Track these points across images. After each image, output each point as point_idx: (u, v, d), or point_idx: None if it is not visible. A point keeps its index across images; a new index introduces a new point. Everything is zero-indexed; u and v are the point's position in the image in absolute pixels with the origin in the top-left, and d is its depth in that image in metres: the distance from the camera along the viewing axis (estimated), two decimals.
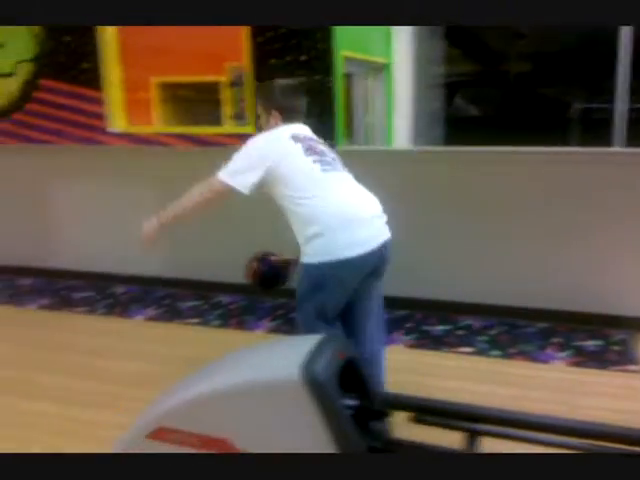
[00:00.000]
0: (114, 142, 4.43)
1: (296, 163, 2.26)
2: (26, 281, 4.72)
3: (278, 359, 1.68)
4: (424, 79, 5.51)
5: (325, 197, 2.24)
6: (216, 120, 4.32)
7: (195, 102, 4.55)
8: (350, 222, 2.22)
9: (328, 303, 2.27)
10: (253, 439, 1.67)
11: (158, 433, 1.80)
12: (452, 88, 6.59)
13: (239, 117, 4.27)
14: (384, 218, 2.36)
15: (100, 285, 4.57)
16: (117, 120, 4.46)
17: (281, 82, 2.61)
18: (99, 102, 4.40)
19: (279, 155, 2.28)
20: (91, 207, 4.66)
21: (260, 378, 1.62)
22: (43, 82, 4.54)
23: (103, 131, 4.43)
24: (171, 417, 1.76)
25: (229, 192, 2.29)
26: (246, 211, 4.23)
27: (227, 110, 4.27)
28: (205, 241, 4.36)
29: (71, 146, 4.53)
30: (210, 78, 4.24)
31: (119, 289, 4.53)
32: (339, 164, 2.39)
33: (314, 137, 2.46)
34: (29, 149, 4.68)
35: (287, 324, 3.76)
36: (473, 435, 1.67)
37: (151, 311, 4.09)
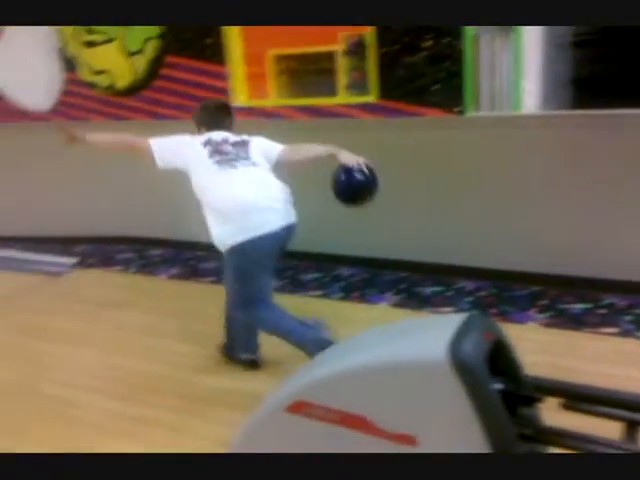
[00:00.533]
0: (236, 117, 4.49)
1: (199, 163, 2.73)
2: (156, 251, 4.95)
3: (424, 338, 1.63)
4: (554, 38, 5.12)
5: (218, 191, 2.67)
6: (330, 91, 4.27)
7: (309, 73, 4.52)
8: (239, 212, 2.59)
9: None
10: (394, 419, 1.63)
11: (297, 407, 1.80)
12: (582, 46, 6.11)
13: (356, 86, 4.19)
14: (280, 205, 2.68)
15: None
16: (239, 94, 4.52)
17: (205, 103, 3.12)
18: (223, 77, 4.48)
19: (189, 157, 2.75)
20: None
21: (405, 357, 1.57)
22: (169, 59, 4.68)
23: None
24: (311, 391, 1.75)
25: (147, 154, 2.76)
26: None
27: (342, 80, 4.20)
28: (325, 214, 4.35)
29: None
30: (324, 48, 4.18)
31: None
32: (242, 158, 2.75)
33: (232, 140, 2.83)
34: (156, 125, 4.86)
35: (411, 298, 3.69)
36: (634, 426, 1.54)
37: (273, 282, 4.14)
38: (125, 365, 3.08)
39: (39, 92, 5.30)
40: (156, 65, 4.75)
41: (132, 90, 4.90)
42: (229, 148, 2.78)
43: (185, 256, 4.77)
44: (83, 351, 3.27)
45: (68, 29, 4.93)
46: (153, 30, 4.66)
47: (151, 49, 4.73)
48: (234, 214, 2.60)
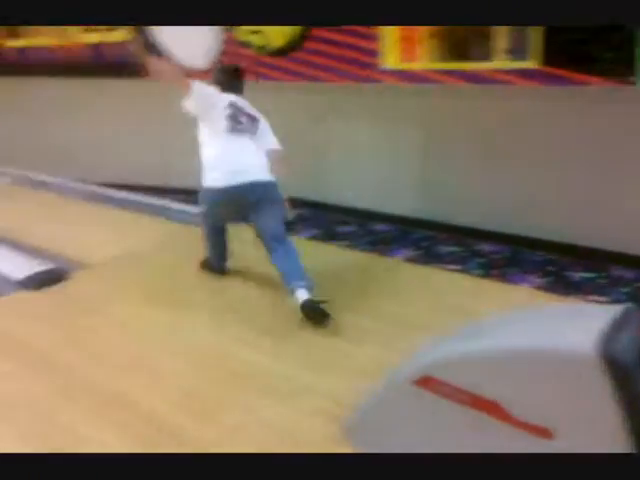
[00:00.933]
0: (386, 79, 4.41)
1: (217, 119, 3.22)
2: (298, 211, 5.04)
3: (572, 327, 1.48)
4: None
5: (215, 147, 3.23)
6: (484, 55, 4.03)
7: (462, 35, 4.29)
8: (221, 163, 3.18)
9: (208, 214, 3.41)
10: (530, 409, 1.52)
11: (425, 381, 1.74)
12: None
13: (516, 51, 3.92)
14: (258, 166, 3.21)
15: (362, 222, 4.70)
16: (389, 57, 4.41)
17: (223, 66, 3.61)
18: (374, 39, 4.38)
19: (213, 111, 3.23)
20: (362, 145, 4.75)
21: (550, 346, 1.44)
22: None
23: (376, 68, 4.42)
24: (442, 368, 1.68)
25: (185, 92, 3.21)
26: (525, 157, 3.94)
27: (499, 43, 3.94)
28: (468, 184, 4.18)
29: (345, 84, 4.63)
30: None
31: (379, 227, 4.61)
32: (249, 133, 3.26)
33: (247, 111, 3.32)
34: (303, 87, 4.90)
35: (558, 283, 3.45)
36: None
37: (409, 252, 4.09)
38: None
39: (199, 52, 5.51)
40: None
41: (284, 51, 4.95)
42: (244, 119, 3.28)
43: (325, 218, 4.81)
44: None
45: None
46: None
47: None
48: (220, 166, 3.16)
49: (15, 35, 7.12)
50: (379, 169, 4.74)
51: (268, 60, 5.05)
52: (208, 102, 3.22)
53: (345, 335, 2.92)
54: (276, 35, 4.93)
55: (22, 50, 7.11)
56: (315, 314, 2.88)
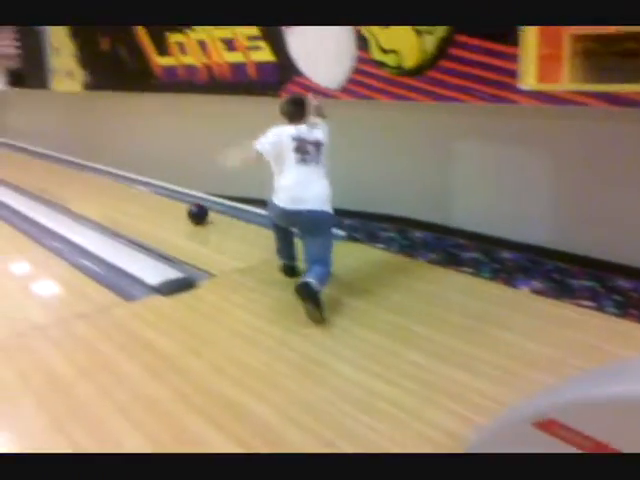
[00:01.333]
0: (523, 100, 4.23)
1: (286, 153, 3.61)
2: (418, 234, 4.96)
3: None
4: None
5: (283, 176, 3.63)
6: (635, 77, 3.74)
7: (610, 55, 4.01)
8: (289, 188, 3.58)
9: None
10: None
11: (547, 424, 1.60)
12: None
13: None
14: (316, 197, 3.55)
15: (487, 248, 4.52)
16: (528, 77, 4.23)
17: (289, 97, 3.90)
18: (513, 58, 4.23)
19: (281, 149, 3.63)
20: (490, 168, 4.60)
21: None
22: (459, 38, 4.56)
23: (514, 89, 4.26)
24: (567, 412, 1.54)
25: (256, 157, 3.68)
26: None
27: None
28: (603, 214, 3.89)
29: (478, 104, 4.50)
30: (632, 28, 3.65)
31: (506, 254, 4.41)
32: (315, 160, 3.62)
33: (312, 139, 3.64)
34: (435, 106, 4.82)
35: None
36: None
37: (538, 283, 3.87)
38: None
39: (331, 70, 5.62)
40: (445, 45, 4.68)
41: (419, 70, 4.90)
42: (310, 148, 3.61)
43: (446, 242, 4.69)
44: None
45: None
46: None
47: (443, 28, 4.66)
48: (285, 191, 3.57)
49: (165, 54, 7.66)
50: (508, 194, 4.56)
51: (402, 80, 5.03)
52: (276, 150, 3.63)
53: (462, 365, 2.82)
54: (410, 54, 4.90)
55: (171, 68, 7.64)
56: (307, 293, 3.27)
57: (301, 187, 3.56)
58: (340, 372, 2.82)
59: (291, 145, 3.61)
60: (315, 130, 3.71)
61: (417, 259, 4.40)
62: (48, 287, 4.25)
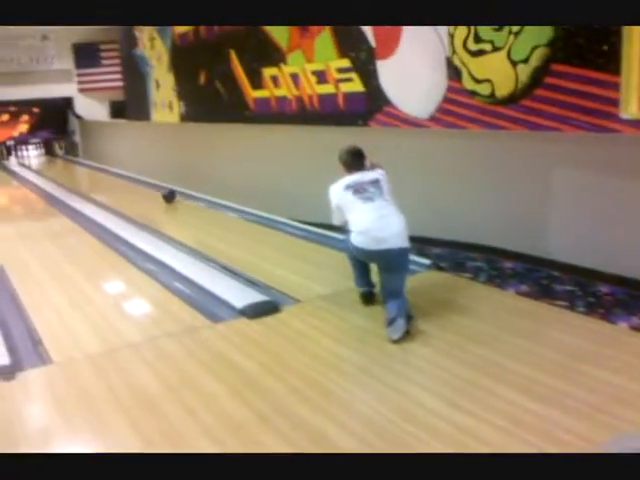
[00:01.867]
0: (626, 130, 4.04)
1: (349, 204, 3.76)
2: (508, 264, 4.79)
3: None
4: None
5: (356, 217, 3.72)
6: None
7: None
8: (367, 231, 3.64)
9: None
10: None
11: None
12: None
13: None
14: (392, 234, 3.61)
15: (582, 281, 4.30)
16: (630, 105, 4.03)
17: (345, 147, 3.94)
18: (613, 86, 4.05)
19: (343, 206, 3.80)
20: (585, 197, 4.40)
21: None
22: (555, 67, 4.44)
23: (615, 117, 4.07)
24: None
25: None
26: None
27: None
28: None
29: (575, 134, 4.34)
30: None
31: (602, 288, 4.17)
32: (377, 195, 3.72)
33: (368, 179, 3.78)
34: (528, 135, 4.69)
35: None
36: None
37: (638, 319, 3.62)
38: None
39: (421, 100, 5.61)
40: (540, 74, 4.56)
41: (512, 99, 4.80)
42: (367, 186, 3.74)
43: (538, 274, 4.50)
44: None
45: (459, 39, 5.08)
46: (542, 38, 4.48)
47: (537, 57, 4.55)
48: (365, 233, 3.64)
49: (259, 87, 7.92)
50: (604, 224, 4.32)
51: (495, 108, 4.94)
52: (337, 210, 3.84)
53: (553, 402, 2.68)
54: (504, 83, 4.81)
55: (264, 100, 7.88)
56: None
57: (377, 228, 3.61)
58: (425, 405, 2.73)
59: (349, 192, 3.74)
60: (370, 172, 3.84)
61: (507, 290, 4.24)
62: (140, 306, 4.43)
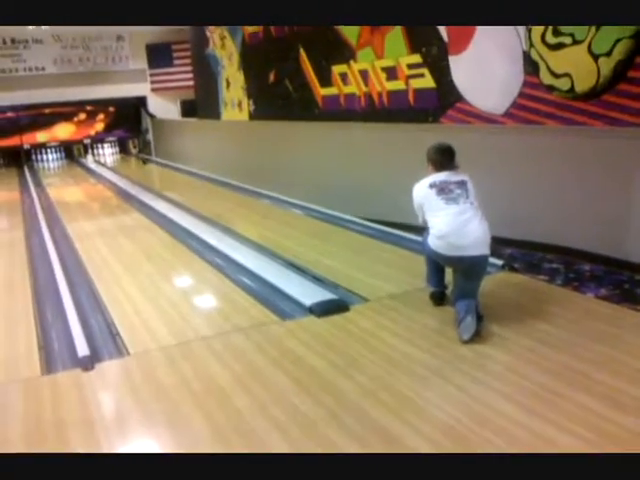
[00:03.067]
0: None
1: (432, 204, 3.61)
2: (586, 267, 4.60)
3: None
4: None
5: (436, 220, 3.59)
6: None
7: None
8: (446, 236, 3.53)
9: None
10: None
11: None
12: None
13: None
14: (472, 241, 3.48)
15: None
16: None
17: (434, 144, 3.77)
18: None
19: (426, 205, 3.65)
20: None
21: None
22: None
23: None
24: None
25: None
26: None
27: None
28: None
29: None
30: None
31: None
32: (463, 197, 3.56)
33: (454, 179, 3.62)
34: (610, 131, 4.49)
35: None
36: None
37: None
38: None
39: (496, 95, 5.46)
40: (624, 67, 4.35)
41: (593, 94, 4.60)
42: (453, 187, 3.58)
43: (619, 277, 4.29)
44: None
45: (537, 32, 4.91)
46: (625, 30, 4.27)
47: (620, 50, 4.34)
48: (445, 238, 3.52)
49: (328, 85, 7.92)
50: None
51: (574, 104, 4.74)
52: (420, 209, 3.70)
53: (635, 411, 2.53)
54: (584, 77, 4.62)
55: (333, 97, 7.87)
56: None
57: (457, 234, 3.48)
58: (502, 410, 2.64)
59: (433, 191, 3.59)
60: (459, 173, 3.67)
61: (585, 294, 4.06)
62: (211, 301, 4.50)
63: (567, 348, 3.21)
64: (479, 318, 3.36)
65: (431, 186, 3.63)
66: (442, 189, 3.59)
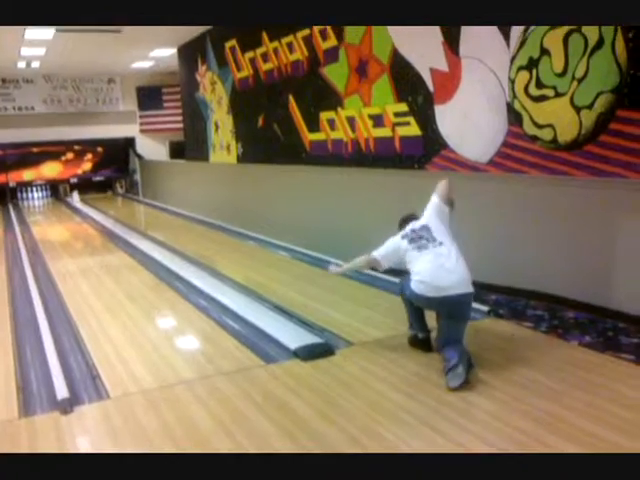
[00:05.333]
0: None
1: (405, 252, 3.77)
2: (571, 314, 4.62)
3: None
4: None
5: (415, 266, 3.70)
6: None
7: None
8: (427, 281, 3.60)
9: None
10: None
11: None
12: None
13: None
14: (454, 281, 3.57)
15: None
16: None
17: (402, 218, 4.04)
18: None
19: (400, 252, 3.81)
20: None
21: None
22: (621, 113, 4.34)
23: None
24: None
25: (376, 263, 3.96)
26: None
27: None
28: None
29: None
30: None
31: None
32: (431, 242, 3.70)
33: (418, 226, 3.81)
34: (592, 181, 4.58)
35: None
36: None
37: None
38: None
39: (481, 144, 5.57)
40: (605, 120, 4.47)
41: (575, 145, 4.71)
42: (422, 233, 3.75)
43: (603, 325, 4.32)
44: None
45: (520, 84, 5.04)
46: (607, 83, 4.40)
47: (602, 103, 4.47)
48: (426, 281, 3.59)
49: (316, 130, 8.03)
50: None
51: (557, 154, 4.85)
52: (392, 253, 3.84)
53: None
54: (566, 129, 4.73)
55: (320, 143, 7.98)
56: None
57: (437, 278, 3.56)
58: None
59: (405, 241, 3.77)
60: (419, 220, 3.87)
61: (569, 341, 4.07)
62: (194, 343, 4.45)
63: (553, 396, 3.20)
64: (469, 366, 3.35)
65: (403, 237, 3.81)
66: (412, 238, 3.75)
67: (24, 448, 2.87)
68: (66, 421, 3.11)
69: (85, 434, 3.05)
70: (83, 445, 2.97)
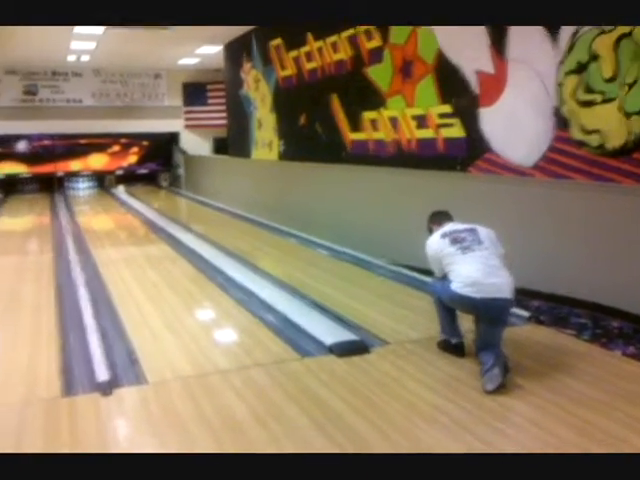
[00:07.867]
0: None
1: (446, 254, 3.66)
2: (615, 323, 4.51)
3: None
4: None
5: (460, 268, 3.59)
6: None
7: None
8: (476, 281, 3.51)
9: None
10: None
11: None
12: None
13: None
14: (501, 284, 3.53)
15: None
16: None
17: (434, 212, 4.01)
18: None
19: (441, 257, 3.70)
20: None
21: None
22: None
23: None
24: None
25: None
26: None
27: None
28: None
29: None
30: None
31: None
32: (476, 244, 3.61)
33: (462, 227, 3.73)
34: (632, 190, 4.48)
35: None
36: None
37: None
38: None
39: (525, 148, 5.48)
40: None
41: (623, 151, 4.60)
42: (465, 235, 3.65)
43: None
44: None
45: (568, 89, 4.96)
46: None
47: None
48: (474, 285, 3.49)
49: (358, 130, 8.03)
50: None
51: (604, 160, 4.75)
52: (436, 262, 3.75)
53: None
54: (615, 134, 4.63)
55: (362, 142, 7.98)
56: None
57: (487, 276, 3.52)
58: None
59: (446, 240, 3.66)
60: (464, 223, 3.79)
61: (613, 351, 3.98)
62: (231, 334, 4.50)
63: (592, 404, 3.14)
64: (505, 370, 3.31)
65: (443, 236, 3.71)
66: (455, 239, 3.65)
67: (65, 426, 2.96)
68: (105, 403, 3.19)
69: (123, 416, 3.13)
70: (121, 426, 3.04)
